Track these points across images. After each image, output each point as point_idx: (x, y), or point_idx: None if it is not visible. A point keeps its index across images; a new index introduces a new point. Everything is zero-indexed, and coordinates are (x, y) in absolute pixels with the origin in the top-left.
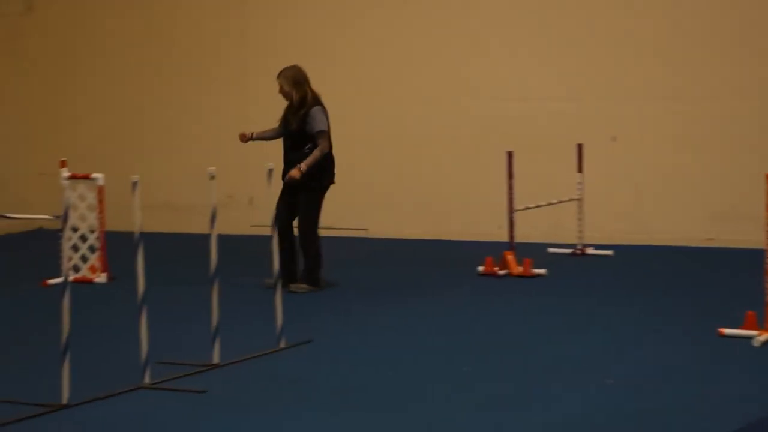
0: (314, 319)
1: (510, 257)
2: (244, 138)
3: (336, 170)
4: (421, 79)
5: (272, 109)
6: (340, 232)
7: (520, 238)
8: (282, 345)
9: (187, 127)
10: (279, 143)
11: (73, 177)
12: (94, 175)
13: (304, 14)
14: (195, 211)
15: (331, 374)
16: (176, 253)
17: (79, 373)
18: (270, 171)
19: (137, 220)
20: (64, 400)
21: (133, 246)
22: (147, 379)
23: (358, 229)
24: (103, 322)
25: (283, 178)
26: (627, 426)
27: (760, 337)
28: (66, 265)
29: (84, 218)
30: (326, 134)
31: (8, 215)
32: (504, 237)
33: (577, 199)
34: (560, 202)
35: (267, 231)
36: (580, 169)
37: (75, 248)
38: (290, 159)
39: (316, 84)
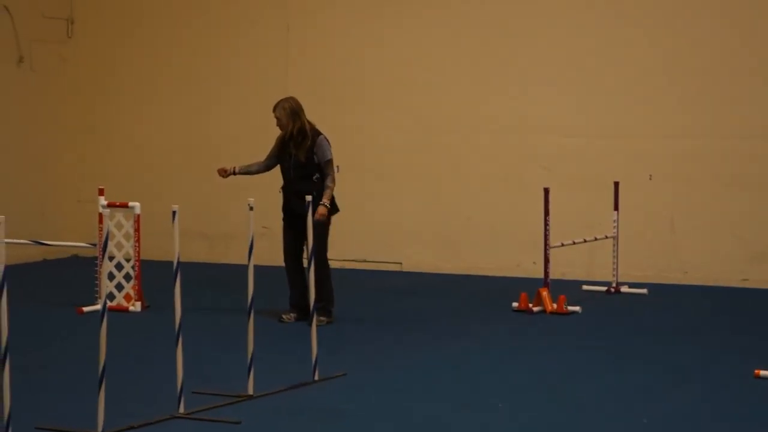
0: (348, 352)
1: (545, 294)
2: (225, 173)
3: (360, 200)
4: (460, 112)
5: None
6: (374, 265)
7: (555, 274)
8: (316, 377)
9: (225, 157)
10: (277, 174)
11: (110, 205)
12: (131, 204)
13: (343, 46)
14: (231, 241)
15: (366, 407)
16: (212, 283)
17: (114, 401)
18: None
19: (176, 248)
20: (99, 429)
21: (172, 275)
22: (182, 409)
23: (392, 263)
24: (138, 350)
25: (285, 210)
26: None
27: None
28: (103, 292)
29: (120, 246)
30: (333, 162)
31: (45, 242)
32: (539, 273)
33: (613, 237)
34: (596, 239)
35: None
36: (616, 207)
37: (110, 276)
38: (298, 189)
39: (358, 115)
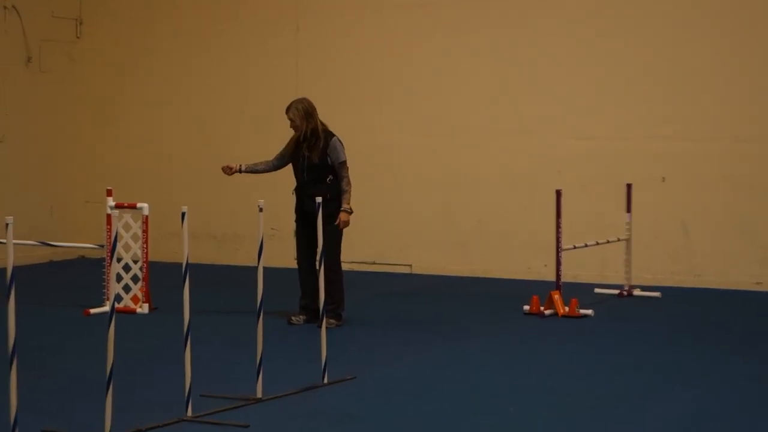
0: (358, 355)
1: (556, 297)
2: (230, 170)
3: (371, 202)
4: (471, 114)
5: None
6: (383, 267)
7: (567, 277)
8: (326, 380)
9: (234, 157)
10: (286, 175)
11: (119, 206)
12: (139, 205)
13: (356, 47)
14: (240, 243)
15: (376, 411)
16: (220, 285)
17: (122, 404)
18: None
19: (185, 250)
20: None
21: (181, 276)
22: (189, 412)
23: (402, 265)
24: (145, 353)
25: (298, 211)
26: None
27: None
28: (111, 294)
29: (128, 248)
30: (346, 164)
31: (52, 243)
32: (551, 276)
33: (625, 240)
34: (608, 242)
35: None
36: (628, 209)
37: (118, 278)
38: (312, 192)
39: (369, 117)
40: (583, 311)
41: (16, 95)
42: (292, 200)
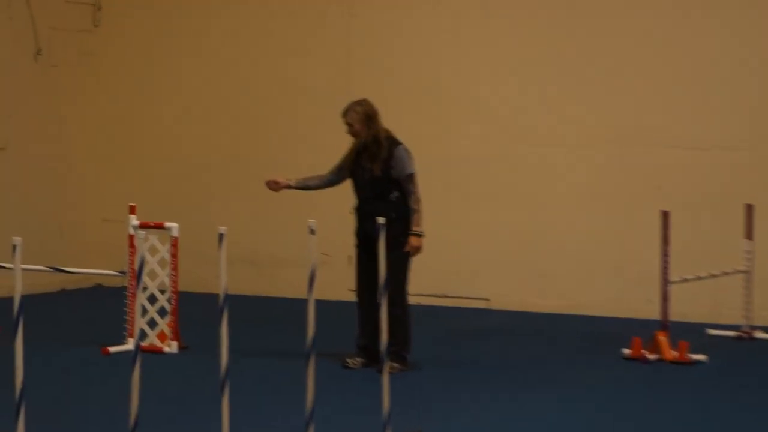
0: (424, 405)
1: (662, 339)
2: (277, 186)
3: (439, 223)
4: (555, 121)
5: None
6: (456, 301)
7: (675, 316)
8: None
9: (276, 169)
10: (342, 191)
11: (143, 225)
12: (168, 224)
13: (419, 39)
14: (284, 270)
15: None
16: (261, 320)
17: None
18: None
19: (223, 278)
20: None
21: (216, 310)
22: None
23: (477, 299)
24: (175, 400)
25: (359, 234)
26: None
27: None
28: (135, 330)
29: (153, 275)
30: (415, 177)
31: (64, 269)
32: (655, 314)
33: (745, 271)
34: (725, 274)
35: None
36: (749, 235)
37: (142, 311)
38: (374, 210)
39: (436, 122)
40: (694, 356)
41: (22, 93)
42: (351, 221)
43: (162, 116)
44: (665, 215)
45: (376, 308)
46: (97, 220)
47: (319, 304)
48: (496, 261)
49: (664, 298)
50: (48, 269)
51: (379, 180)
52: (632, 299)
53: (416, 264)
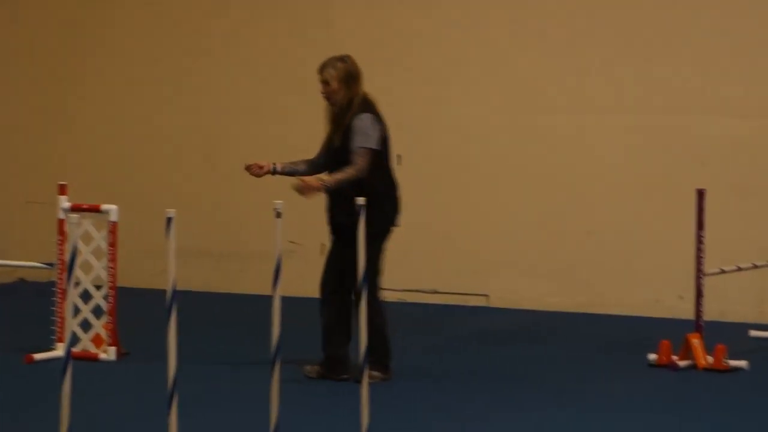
0: (408, 420)
1: (696, 342)
2: (260, 171)
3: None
4: (573, 87)
5: None
6: (449, 298)
7: (710, 314)
8: None
9: (241, 149)
10: None
11: (75, 208)
12: (104, 207)
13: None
14: (246, 262)
15: None
16: (218, 321)
17: None
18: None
19: (171, 271)
20: None
21: (163, 309)
22: None
23: (477, 295)
24: (112, 416)
25: (329, 219)
26: None
27: None
28: (65, 333)
29: (88, 268)
30: (369, 153)
31: None
32: (688, 313)
33: None
34: None
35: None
36: None
37: (74, 310)
38: (337, 192)
39: (434, 85)
40: (733, 363)
41: None
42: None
43: (99, 85)
44: (700, 195)
45: (343, 306)
46: (20, 203)
47: (287, 301)
48: (501, 251)
49: (698, 294)
50: None
51: (340, 153)
52: (661, 295)
53: (404, 256)
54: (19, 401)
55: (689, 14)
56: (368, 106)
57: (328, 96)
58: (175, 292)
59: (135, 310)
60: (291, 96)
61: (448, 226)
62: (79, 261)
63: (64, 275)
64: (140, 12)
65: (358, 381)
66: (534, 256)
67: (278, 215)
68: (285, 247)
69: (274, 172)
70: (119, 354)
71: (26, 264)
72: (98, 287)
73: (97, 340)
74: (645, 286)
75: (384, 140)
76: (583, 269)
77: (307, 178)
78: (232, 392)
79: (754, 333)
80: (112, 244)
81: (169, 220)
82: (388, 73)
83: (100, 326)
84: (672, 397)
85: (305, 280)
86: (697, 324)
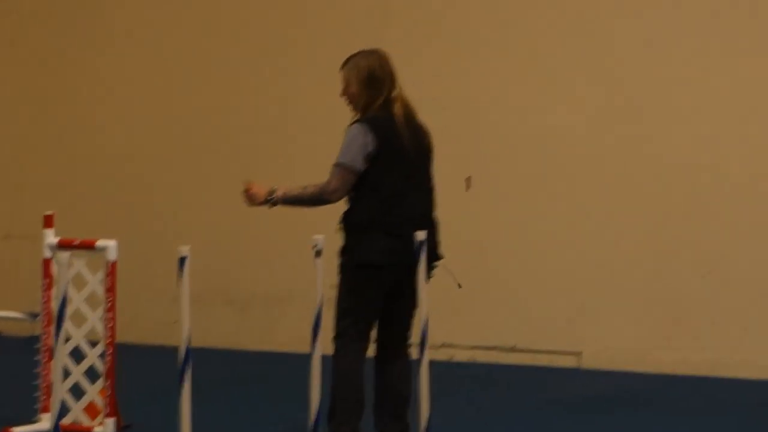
0: None
1: None
2: (254, 198)
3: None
4: (687, 93)
5: None
6: (533, 357)
7: None
8: None
9: (259, 170)
10: None
11: (65, 245)
12: (101, 243)
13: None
14: (280, 312)
15: None
16: (243, 386)
17: None
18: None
19: (184, 324)
20: None
21: (175, 371)
22: None
23: (565, 354)
24: None
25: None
26: None
27: None
28: (53, 401)
29: (80, 319)
30: (342, 171)
31: None
32: None
33: None
34: None
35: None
36: None
37: (64, 373)
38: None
39: (510, 88)
40: None
41: None
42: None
43: (89, 101)
44: None
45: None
46: None
47: (329, 361)
48: (592, 295)
49: None
50: None
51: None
52: None
53: (472, 306)
54: None
55: None
56: (376, 113)
57: (349, 100)
58: (189, 350)
59: (139, 372)
60: (320, 108)
61: (529, 266)
62: (69, 311)
63: (51, 328)
64: (134, 22)
65: None
66: (638, 304)
67: (318, 254)
68: (326, 293)
69: (272, 201)
70: (119, 427)
71: (3, 314)
72: (93, 344)
73: (91, 410)
74: None
75: (377, 158)
76: (701, 320)
77: (256, 186)
78: None
79: None
80: (111, 290)
81: (182, 260)
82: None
83: (95, 392)
84: None
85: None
86: None
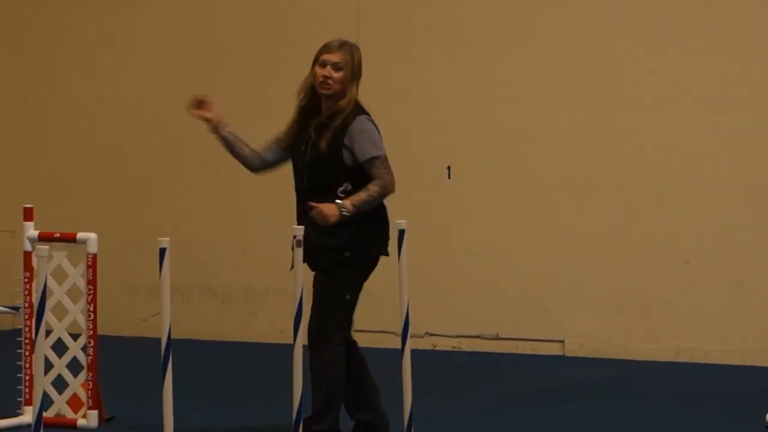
0: None
1: None
2: (200, 113)
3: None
4: (663, 81)
5: None
6: (515, 345)
7: None
8: None
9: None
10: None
11: (44, 238)
12: (81, 236)
13: None
14: (260, 303)
15: None
16: (226, 377)
17: None
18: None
19: (165, 314)
20: None
21: (158, 363)
22: None
23: (548, 342)
24: None
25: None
26: None
27: None
28: (35, 394)
29: (62, 312)
30: (387, 162)
31: None
32: None
33: None
34: None
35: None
36: None
37: (46, 365)
38: (309, 208)
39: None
40: None
41: None
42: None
43: (68, 87)
44: None
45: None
46: None
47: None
48: (575, 283)
49: None
50: None
51: (324, 162)
52: None
53: (454, 294)
54: None
55: None
56: (362, 108)
57: (332, 84)
58: (171, 341)
59: (121, 365)
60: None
61: (511, 255)
62: (50, 304)
63: (32, 321)
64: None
65: None
66: (619, 292)
67: (298, 244)
68: (307, 285)
69: (217, 132)
70: (102, 419)
71: None
72: (75, 336)
73: (74, 403)
74: (760, 328)
75: None
76: (680, 307)
77: (323, 205)
78: None
79: None
80: (92, 282)
81: (162, 251)
82: (428, 63)
83: (77, 385)
84: None
85: None
86: None
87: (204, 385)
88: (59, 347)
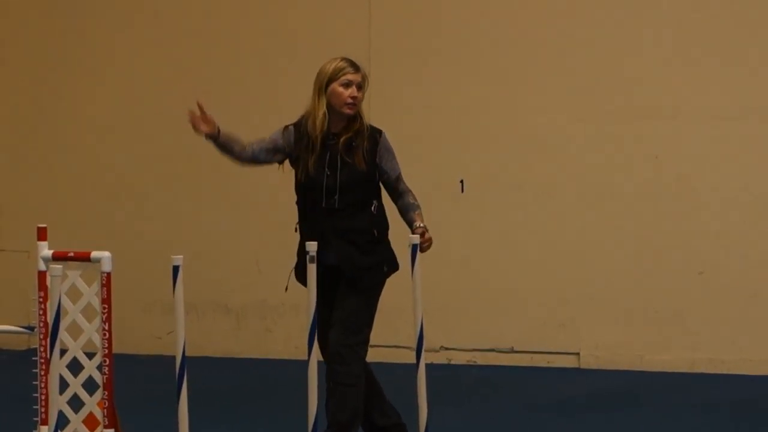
0: None
1: None
2: (198, 124)
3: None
4: (672, 92)
5: None
6: (531, 358)
7: None
8: None
9: (250, 175)
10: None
11: (59, 257)
12: (95, 254)
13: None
14: (276, 320)
15: None
16: (238, 393)
17: None
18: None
19: (180, 333)
20: None
21: (173, 381)
22: None
23: (564, 354)
24: None
25: (321, 267)
26: None
27: None
28: (50, 413)
29: (76, 331)
30: None
31: None
32: None
33: None
34: None
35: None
36: None
37: (62, 384)
38: (345, 227)
39: (503, 87)
40: None
41: None
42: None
43: (85, 99)
44: None
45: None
46: None
47: (323, 367)
48: (590, 295)
49: None
50: None
51: (362, 181)
52: None
53: (465, 306)
54: None
55: None
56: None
57: (357, 104)
58: (186, 359)
59: (137, 383)
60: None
61: (525, 268)
62: (65, 323)
63: (47, 341)
64: (124, 43)
65: None
66: (634, 303)
67: (312, 260)
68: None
69: (215, 137)
70: None
71: (1, 328)
72: (90, 355)
73: (90, 422)
74: None
75: None
76: (695, 318)
77: (427, 235)
78: None
79: None
80: (106, 301)
81: (175, 269)
82: (440, 77)
83: (93, 404)
84: None
85: None
86: None
87: (219, 403)
88: (74, 366)
